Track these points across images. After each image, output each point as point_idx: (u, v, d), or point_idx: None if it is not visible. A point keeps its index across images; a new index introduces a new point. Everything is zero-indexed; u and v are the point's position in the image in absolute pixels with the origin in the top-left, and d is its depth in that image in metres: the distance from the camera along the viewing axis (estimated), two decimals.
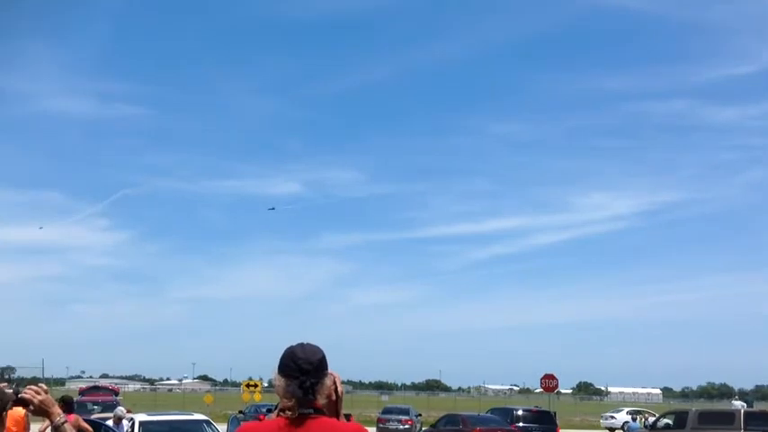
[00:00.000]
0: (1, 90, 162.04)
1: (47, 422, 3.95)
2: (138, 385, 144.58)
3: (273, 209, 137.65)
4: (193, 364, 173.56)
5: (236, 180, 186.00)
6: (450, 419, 31.57)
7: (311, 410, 3.01)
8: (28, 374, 60.03)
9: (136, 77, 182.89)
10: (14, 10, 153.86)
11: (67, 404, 11.94)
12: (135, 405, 37.98)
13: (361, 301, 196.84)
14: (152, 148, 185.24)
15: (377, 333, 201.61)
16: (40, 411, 3.67)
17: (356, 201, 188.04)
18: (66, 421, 3.80)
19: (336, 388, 3.16)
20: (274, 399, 39.48)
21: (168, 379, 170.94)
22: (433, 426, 32.31)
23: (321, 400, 3.05)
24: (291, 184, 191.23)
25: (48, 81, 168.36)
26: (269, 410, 38.13)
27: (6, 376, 72.79)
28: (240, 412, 42.06)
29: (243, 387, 49.74)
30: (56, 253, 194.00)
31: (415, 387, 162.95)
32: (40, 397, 3.65)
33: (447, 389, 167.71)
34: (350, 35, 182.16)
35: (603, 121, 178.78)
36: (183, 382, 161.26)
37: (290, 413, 3.01)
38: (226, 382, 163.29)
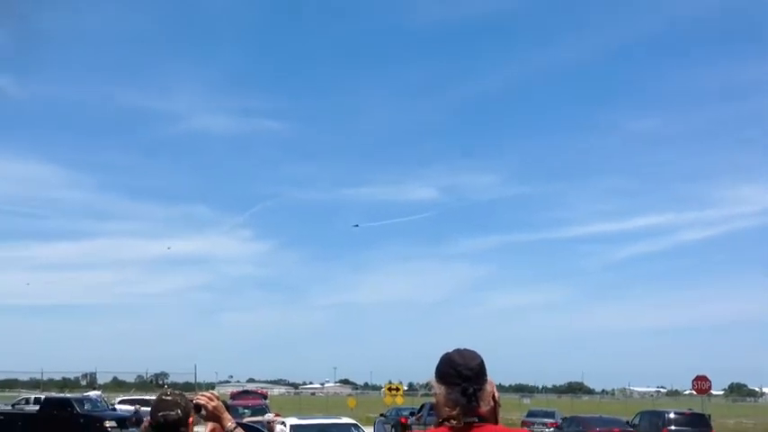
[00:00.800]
0: (153, 111, 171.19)
1: (209, 427, 4.07)
2: (282, 389, 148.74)
3: (357, 226, 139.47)
4: (335, 368, 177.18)
5: (372, 187, 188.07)
6: (572, 421, 32.69)
7: (476, 419, 2.87)
8: (180, 380, 62.67)
9: (274, 91, 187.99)
10: (163, 35, 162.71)
11: (229, 410, 12.38)
12: (281, 409, 39.07)
13: (500, 304, 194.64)
14: (291, 158, 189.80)
15: (516, 335, 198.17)
16: (212, 417, 3.75)
17: (492, 203, 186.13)
18: (237, 427, 3.91)
19: (494, 394, 3.01)
20: (416, 402, 40.11)
21: (311, 383, 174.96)
22: (558, 428, 32.35)
23: (484, 407, 2.90)
24: (427, 189, 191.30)
25: (193, 100, 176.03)
26: (411, 413, 38.64)
27: (160, 382, 76.38)
28: (381, 415, 42.60)
29: (385, 390, 50.21)
30: (204, 263, 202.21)
31: (557, 390, 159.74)
32: (213, 403, 3.76)
33: (590, 391, 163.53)
34: (482, 38, 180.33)
35: (748, 111, 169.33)
36: (325, 386, 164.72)
37: (454, 422, 2.87)
38: (366, 386, 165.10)
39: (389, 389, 47.95)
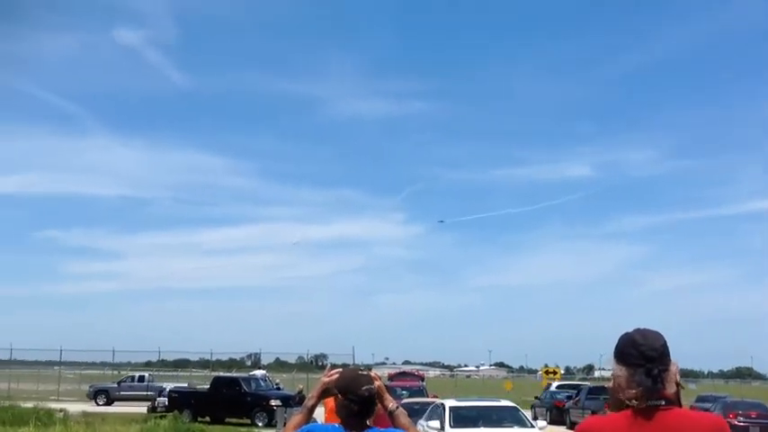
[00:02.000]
0: (308, 97, 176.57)
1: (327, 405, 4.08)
2: (437, 371, 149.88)
3: (443, 221, 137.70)
4: (490, 351, 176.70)
5: (527, 167, 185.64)
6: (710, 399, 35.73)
7: (662, 401, 2.73)
8: (339, 361, 64.22)
9: (424, 72, 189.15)
10: (311, 22, 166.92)
11: (388, 390, 12.58)
12: (438, 390, 39.34)
13: (660, 285, 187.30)
14: (443, 140, 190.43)
15: (677, 318, 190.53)
16: (378, 397, 3.83)
17: (652, 180, 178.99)
18: (398, 407, 3.96)
19: (677, 376, 2.83)
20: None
21: (466, 365, 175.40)
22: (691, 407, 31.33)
23: (670, 389, 2.75)
24: (583, 167, 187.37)
25: (344, 86, 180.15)
26: (568, 398, 37.97)
27: (320, 363, 78.65)
28: (536, 398, 42.16)
29: (542, 374, 49.70)
30: (359, 246, 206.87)
31: (724, 375, 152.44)
32: (378, 383, 3.82)
33: (760, 377, 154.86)
34: (639, 9, 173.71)
35: None
36: (481, 368, 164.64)
37: (636, 403, 2.73)
38: (521, 369, 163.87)
39: (547, 372, 47.40)
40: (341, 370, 3.90)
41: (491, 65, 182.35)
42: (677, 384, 2.84)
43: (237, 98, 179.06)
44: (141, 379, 46.87)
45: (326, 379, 3.87)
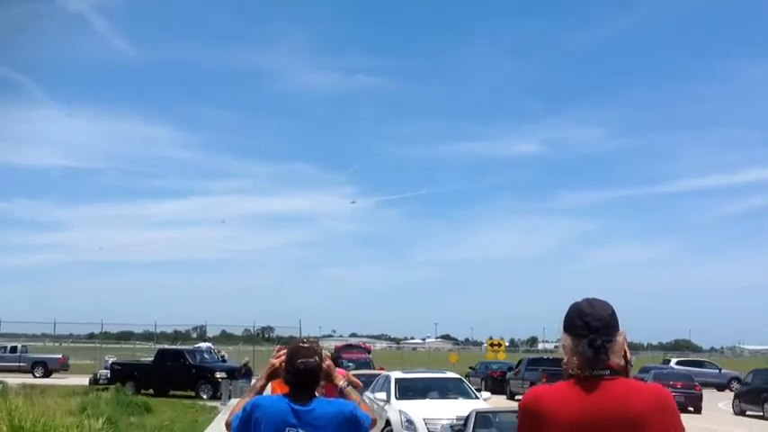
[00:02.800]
0: (258, 69, 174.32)
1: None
2: (384, 344, 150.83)
3: (354, 202, 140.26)
4: (436, 324, 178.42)
5: (475, 142, 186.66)
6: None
7: (606, 371, 2.70)
8: (285, 333, 64.15)
9: (375, 48, 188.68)
10: None
11: (334, 362, 12.57)
12: (384, 363, 39.55)
13: (604, 260, 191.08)
14: (392, 116, 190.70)
15: (620, 292, 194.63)
16: (326, 376, 3.78)
17: (597, 157, 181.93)
18: (348, 385, 3.91)
19: (625, 350, 2.80)
20: (515, 358, 39.78)
21: (412, 338, 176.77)
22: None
23: (615, 360, 2.72)
24: (531, 144, 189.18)
25: (295, 60, 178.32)
26: (509, 369, 38.79)
27: (266, 335, 78.46)
28: (471, 368, 43.02)
29: (487, 346, 50.27)
30: (306, 221, 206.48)
31: (663, 347, 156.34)
32: (327, 362, 3.77)
33: (698, 349, 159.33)
34: None
35: None
36: (427, 341, 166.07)
37: (578, 372, 2.72)
38: (467, 342, 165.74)
39: (492, 344, 47.95)
40: (288, 344, 3.83)
41: (441, 42, 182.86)
42: (625, 355, 2.80)
43: (186, 69, 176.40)
44: (14, 350, 44.98)
45: (274, 360, 3.79)
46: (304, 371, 3.55)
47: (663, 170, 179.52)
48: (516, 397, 33.76)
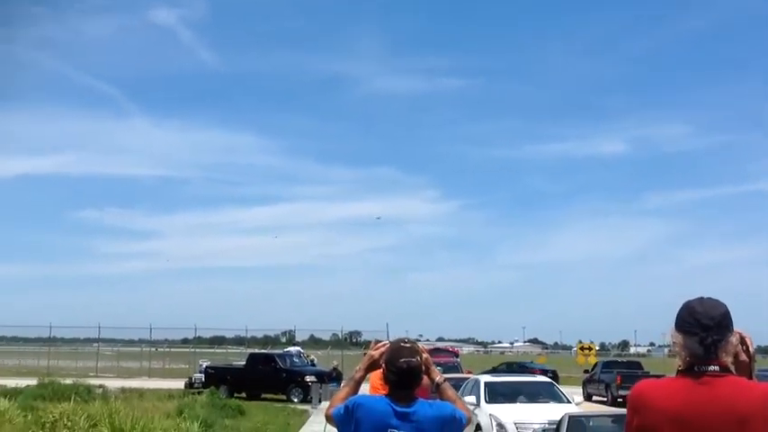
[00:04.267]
0: (337, 74, 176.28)
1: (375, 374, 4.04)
2: (471, 348, 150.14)
3: (379, 218, 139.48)
4: (523, 327, 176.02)
5: (558, 143, 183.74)
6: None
7: (716, 368, 2.76)
8: (372, 338, 64.29)
9: (455, 49, 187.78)
10: (342, 3, 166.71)
11: None
12: (472, 366, 39.39)
13: (696, 261, 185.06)
14: (475, 116, 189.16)
15: (714, 294, 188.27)
16: (424, 370, 3.78)
17: (686, 155, 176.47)
18: (445, 380, 3.90)
19: (747, 348, 2.88)
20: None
21: (500, 342, 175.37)
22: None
23: (725, 358, 2.78)
24: (616, 143, 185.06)
25: (375, 63, 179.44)
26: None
27: (354, 340, 79.11)
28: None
29: (577, 350, 49.47)
30: (391, 225, 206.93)
31: (761, 350, 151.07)
32: (425, 355, 3.78)
33: None
34: None
35: None
36: (515, 345, 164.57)
37: (688, 369, 2.81)
38: (556, 345, 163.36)
39: (582, 348, 47.13)
40: (386, 343, 3.86)
41: (521, 41, 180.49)
42: (750, 356, 2.89)
43: (267, 77, 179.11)
44: None
45: (373, 352, 3.82)
46: (407, 370, 3.57)
47: (754, 168, 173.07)
48: (594, 398, 34.62)
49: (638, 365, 37.84)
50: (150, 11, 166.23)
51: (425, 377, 3.78)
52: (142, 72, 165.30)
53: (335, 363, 37.09)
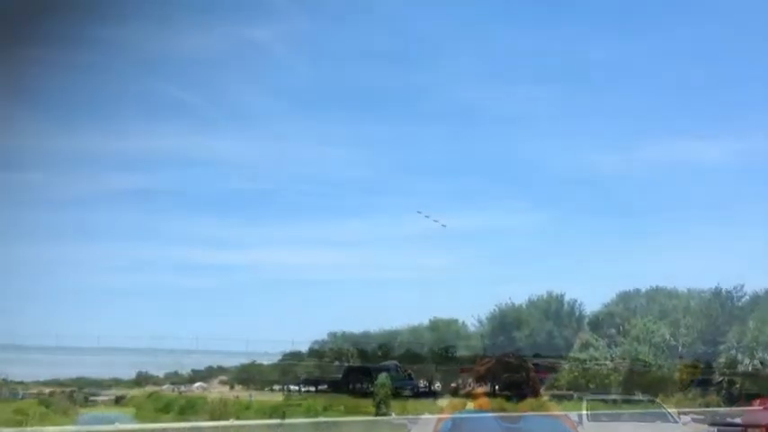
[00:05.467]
0: (425, 85, 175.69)
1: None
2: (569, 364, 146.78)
3: (445, 226, 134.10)
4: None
5: (645, 150, 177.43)
6: None
7: None
8: (468, 353, 64.07)
9: (541, 58, 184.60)
10: (432, 21, 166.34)
11: None
12: (570, 384, 38.41)
13: None
14: (562, 127, 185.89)
15: None
16: (531, 390, 3.74)
17: None
18: (552, 399, 3.84)
19: None
20: None
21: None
22: None
23: None
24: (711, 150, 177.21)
25: (464, 74, 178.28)
26: None
27: (450, 354, 78.43)
28: None
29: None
30: (486, 236, 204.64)
31: None
32: (532, 374, 3.74)
33: None
34: None
35: None
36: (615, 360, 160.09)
37: None
38: None
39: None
40: (492, 359, 3.84)
41: (601, 49, 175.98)
42: None
43: (354, 89, 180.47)
44: None
45: (479, 368, 3.82)
46: (512, 385, 3.54)
47: None
48: None
49: None
50: (245, 28, 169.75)
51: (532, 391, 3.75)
52: (236, 86, 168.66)
53: (431, 376, 36.94)
